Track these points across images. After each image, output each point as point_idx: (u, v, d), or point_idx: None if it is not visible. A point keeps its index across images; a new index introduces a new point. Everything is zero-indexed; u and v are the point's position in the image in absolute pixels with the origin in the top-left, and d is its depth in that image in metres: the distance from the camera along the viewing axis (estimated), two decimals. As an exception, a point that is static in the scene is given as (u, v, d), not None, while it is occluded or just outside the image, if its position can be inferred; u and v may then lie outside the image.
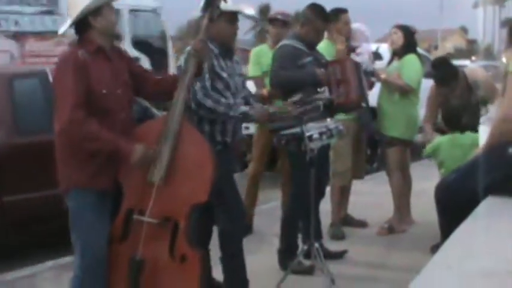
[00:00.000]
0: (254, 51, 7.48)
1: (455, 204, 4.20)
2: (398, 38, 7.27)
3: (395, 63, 7.33)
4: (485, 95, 6.52)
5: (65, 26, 4.36)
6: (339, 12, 7.05)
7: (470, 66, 7.02)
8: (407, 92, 7.09)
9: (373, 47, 8.67)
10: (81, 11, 4.18)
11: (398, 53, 7.32)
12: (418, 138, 7.61)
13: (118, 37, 4.48)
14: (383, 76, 7.22)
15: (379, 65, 8.29)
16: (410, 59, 7.18)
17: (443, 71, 6.71)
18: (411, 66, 7.16)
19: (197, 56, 4.44)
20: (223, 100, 4.99)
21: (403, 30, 7.31)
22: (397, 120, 7.13)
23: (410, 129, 7.26)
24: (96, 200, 4.20)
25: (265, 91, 6.66)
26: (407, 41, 7.28)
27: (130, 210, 4.27)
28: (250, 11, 5.64)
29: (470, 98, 6.60)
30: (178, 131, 4.24)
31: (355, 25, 7.45)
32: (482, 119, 6.13)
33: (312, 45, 6.14)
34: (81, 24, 4.25)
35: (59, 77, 4.18)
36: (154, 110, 7.51)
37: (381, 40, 15.10)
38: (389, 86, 7.22)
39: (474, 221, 3.71)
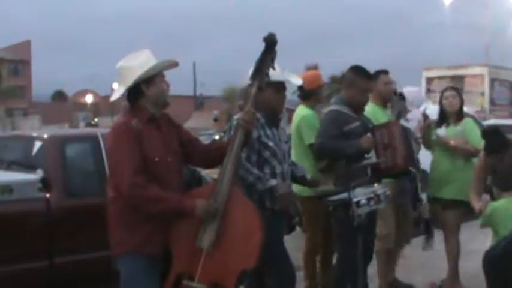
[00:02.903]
0: (304, 116, 7.05)
1: (503, 274, 4.16)
2: (458, 103, 7.38)
3: (459, 127, 7.33)
4: None
5: (117, 94, 4.48)
6: (379, 73, 7.10)
7: None
8: (472, 156, 7.08)
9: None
10: (135, 80, 4.30)
11: (456, 117, 7.38)
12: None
13: (167, 105, 4.55)
14: (452, 143, 7.21)
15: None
16: (471, 122, 7.29)
17: (493, 140, 6.65)
18: (475, 130, 7.22)
19: (245, 127, 4.49)
20: (255, 171, 5.07)
21: (459, 94, 7.46)
22: (461, 183, 7.01)
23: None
24: (146, 265, 4.28)
25: None
26: (462, 105, 7.44)
27: (180, 275, 4.31)
28: (298, 80, 5.61)
29: None
30: (226, 196, 4.30)
31: (406, 89, 7.53)
32: None
33: (358, 109, 6.14)
34: (134, 92, 4.37)
35: (115, 145, 4.29)
36: (202, 173, 7.59)
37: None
38: (453, 151, 7.21)
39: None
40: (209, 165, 4.98)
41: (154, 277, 4.32)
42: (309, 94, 7.09)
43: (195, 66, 66.86)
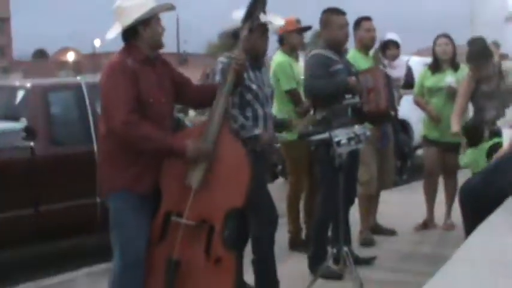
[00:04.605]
0: (279, 63, 7.05)
1: (479, 205, 4.27)
2: (451, 50, 7.60)
3: (460, 73, 7.44)
4: None
5: (114, 32, 4.46)
6: (361, 19, 7.15)
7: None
8: None
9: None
10: (133, 20, 4.31)
11: (451, 63, 7.59)
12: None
13: (161, 47, 4.56)
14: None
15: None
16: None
17: (477, 46, 6.79)
18: None
19: (238, 69, 4.53)
20: (241, 118, 5.14)
21: (451, 41, 7.64)
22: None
23: None
24: (138, 202, 4.33)
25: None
26: (455, 52, 7.65)
27: (169, 212, 4.38)
28: (280, 21, 5.57)
29: (500, 85, 6.70)
30: (216, 136, 4.35)
31: (389, 34, 7.61)
32: (500, 122, 6.23)
33: (339, 48, 6.19)
34: (129, 32, 4.38)
35: (110, 83, 4.29)
36: (187, 122, 7.63)
37: (420, 53, 15.27)
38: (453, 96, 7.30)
39: (496, 218, 3.79)
40: (201, 106, 5.10)
41: (144, 214, 4.36)
42: (282, 38, 7.07)
43: (178, 22, 66.51)
